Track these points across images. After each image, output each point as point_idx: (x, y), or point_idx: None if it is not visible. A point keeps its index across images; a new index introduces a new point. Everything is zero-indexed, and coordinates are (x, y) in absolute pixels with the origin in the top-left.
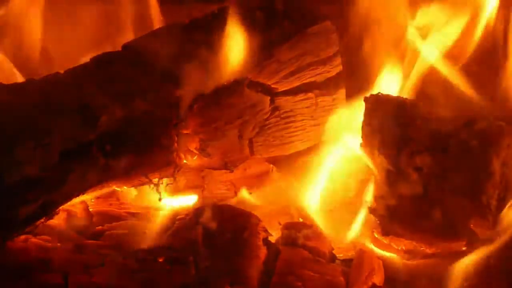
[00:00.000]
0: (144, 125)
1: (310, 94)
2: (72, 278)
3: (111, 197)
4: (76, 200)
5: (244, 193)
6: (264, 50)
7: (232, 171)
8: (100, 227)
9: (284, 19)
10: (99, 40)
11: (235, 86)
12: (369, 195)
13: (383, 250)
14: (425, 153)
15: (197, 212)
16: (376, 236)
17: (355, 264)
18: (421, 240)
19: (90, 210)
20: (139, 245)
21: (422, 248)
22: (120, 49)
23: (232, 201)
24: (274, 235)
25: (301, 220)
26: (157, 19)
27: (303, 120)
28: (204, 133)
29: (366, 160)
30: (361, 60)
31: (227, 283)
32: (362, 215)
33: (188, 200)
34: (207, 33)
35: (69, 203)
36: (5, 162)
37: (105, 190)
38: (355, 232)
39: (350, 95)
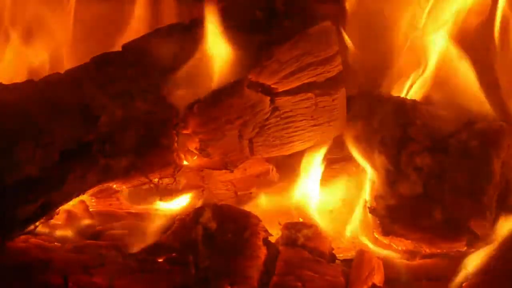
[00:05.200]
0: (144, 125)
1: (310, 94)
2: (72, 278)
3: (111, 197)
4: (76, 200)
5: None
6: (264, 50)
7: (232, 171)
8: (100, 227)
9: (284, 19)
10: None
11: (235, 86)
12: (369, 195)
13: (383, 250)
14: (425, 153)
15: (197, 212)
16: (376, 236)
17: (355, 264)
18: (421, 240)
19: (90, 210)
20: (139, 245)
21: (422, 248)
22: (120, 49)
23: (232, 201)
24: (274, 235)
25: (301, 220)
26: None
27: (303, 120)
28: (204, 133)
29: (366, 160)
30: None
31: (227, 283)
32: (359, 214)
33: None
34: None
35: (69, 203)
36: (5, 162)
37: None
38: (353, 231)
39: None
